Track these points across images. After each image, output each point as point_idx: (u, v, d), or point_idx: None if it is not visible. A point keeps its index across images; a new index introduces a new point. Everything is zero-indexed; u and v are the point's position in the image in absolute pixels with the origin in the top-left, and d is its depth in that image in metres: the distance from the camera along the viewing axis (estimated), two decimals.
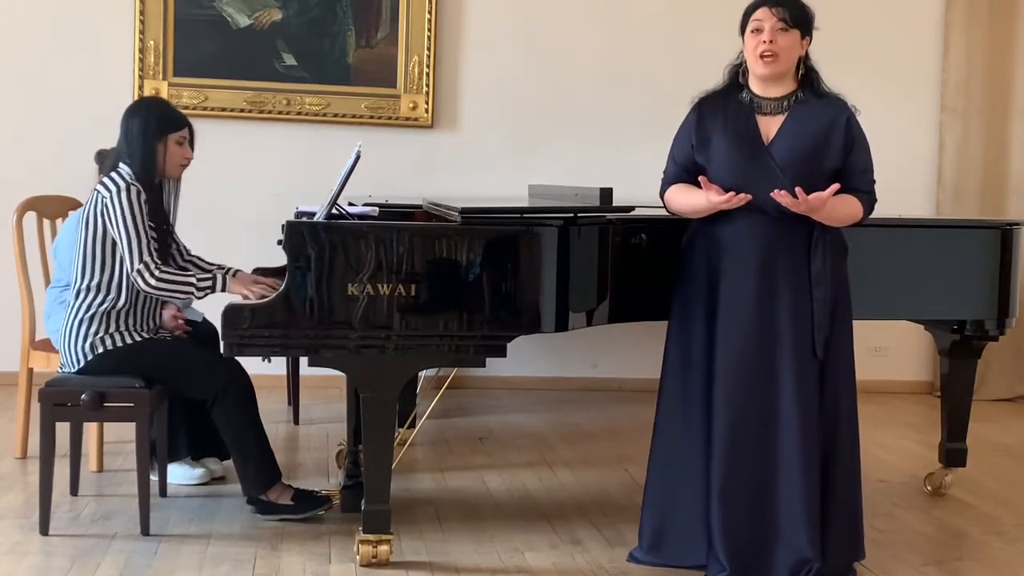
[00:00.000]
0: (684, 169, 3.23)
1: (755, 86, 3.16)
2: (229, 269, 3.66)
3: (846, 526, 3.20)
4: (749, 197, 3.02)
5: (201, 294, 3.44)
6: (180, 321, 3.84)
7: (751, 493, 3.11)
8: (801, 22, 3.11)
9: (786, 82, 3.15)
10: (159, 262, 3.43)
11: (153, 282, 3.40)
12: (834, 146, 3.11)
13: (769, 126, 3.12)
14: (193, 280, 3.44)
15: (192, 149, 3.65)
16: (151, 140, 3.51)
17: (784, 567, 3.09)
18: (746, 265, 3.10)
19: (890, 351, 6.06)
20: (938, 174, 6.08)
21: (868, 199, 3.19)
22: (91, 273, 3.48)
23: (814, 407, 3.11)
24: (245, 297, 3.37)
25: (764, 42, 3.07)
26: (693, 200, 3.16)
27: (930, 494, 4.21)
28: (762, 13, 3.09)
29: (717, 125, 3.15)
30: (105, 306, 3.49)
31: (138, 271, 3.40)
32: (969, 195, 6.00)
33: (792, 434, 3.08)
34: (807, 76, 3.17)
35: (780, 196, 2.99)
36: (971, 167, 6.02)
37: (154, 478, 3.79)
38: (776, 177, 3.05)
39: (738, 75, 3.20)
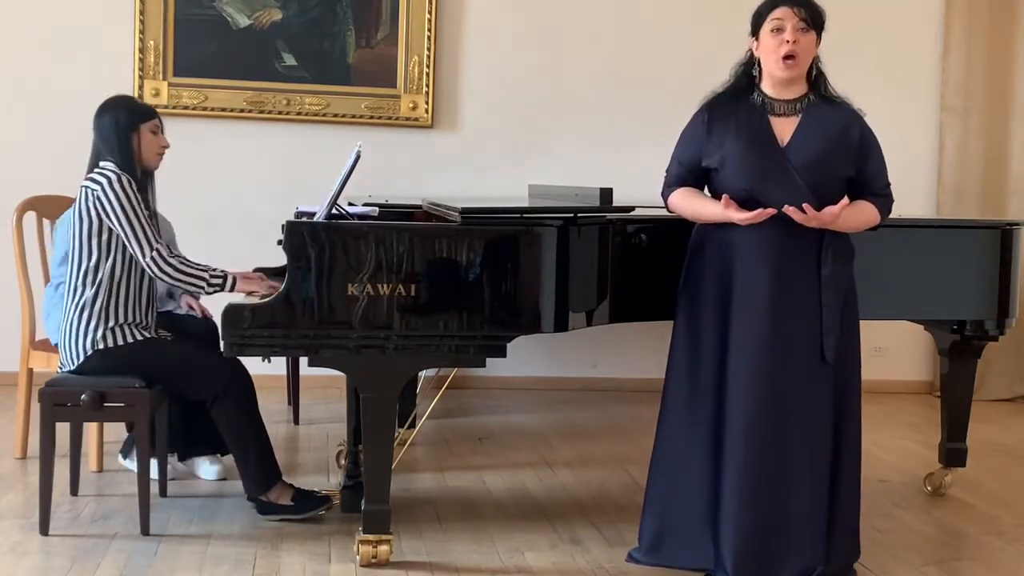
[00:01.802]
0: (689, 172, 3.20)
1: (768, 87, 3.13)
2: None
3: (848, 527, 3.21)
4: (773, 211, 2.99)
5: (212, 289, 3.44)
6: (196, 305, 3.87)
7: (762, 498, 3.10)
8: (818, 23, 3.09)
9: (799, 84, 3.12)
10: (168, 248, 3.44)
11: (168, 269, 3.41)
12: (847, 154, 3.09)
13: (783, 127, 3.09)
14: (206, 276, 3.44)
15: (165, 137, 3.65)
16: (125, 132, 3.52)
17: (791, 571, 3.09)
18: (759, 269, 3.08)
19: (890, 351, 6.06)
20: (938, 174, 6.08)
21: (884, 202, 3.19)
22: (85, 263, 3.47)
23: (824, 411, 3.10)
24: (252, 293, 3.36)
25: (788, 42, 3.03)
26: (702, 209, 3.15)
27: (930, 494, 4.21)
28: (783, 12, 3.05)
29: (730, 127, 3.11)
30: (101, 298, 3.47)
31: (152, 258, 3.40)
32: (969, 195, 6.01)
33: (803, 439, 3.07)
34: (817, 79, 3.15)
35: (792, 212, 2.98)
36: (971, 167, 6.02)
37: (154, 477, 3.79)
38: (792, 179, 3.03)
39: (749, 74, 3.16)
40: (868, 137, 3.14)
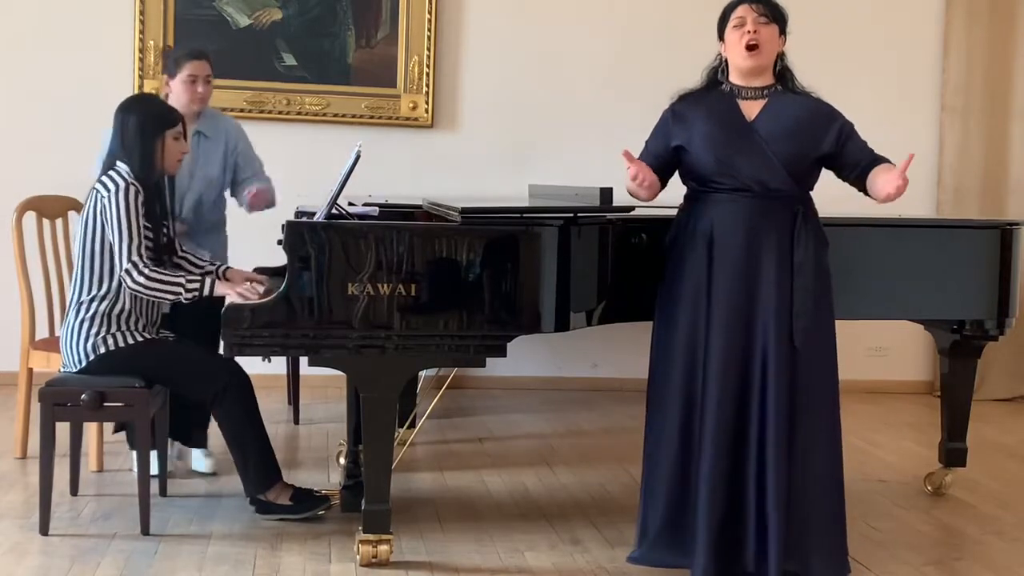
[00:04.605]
0: (653, 155, 3.29)
1: (735, 78, 3.22)
2: (219, 266, 3.70)
3: (830, 528, 3.17)
4: (654, 178, 3.17)
5: (190, 296, 3.43)
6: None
7: (731, 484, 3.10)
8: (779, 18, 3.20)
9: (766, 75, 3.21)
10: (148, 263, 3.42)
11: (142, 280, 3.40)
12: (818, 135, 3.15)
13: (750, 108, 3.18)
14: (182, 281, 3.43)
15: (186, 142, 3.67)
16: (150, 138, 3.51)
17: (756, 560, 3.09)
18: (731, 253, 3.11)
19: (890, 351, 6.06)
20: (938, 174, 6.08)
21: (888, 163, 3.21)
22: (93, 278, 3.48)
23: (789, 400, 3.09)
24: (242, 296, 3.36)
25: (749, 32, 3.14)
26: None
27: (930, 494, 4.21)
28: (742, 10, 3.18)
29: (699, 112, 3.20)
30: (106, 308, 3.48)
31: (126, 270, 3.40)
32: (969, 195, 6.00)
33: (769, 426, 3.07)
34: (783, 73, 3.24)
35: (904, 166, 2.99)
36: (971, 167, 6.02)
37: (154, 475, 3.79)
38: (761, 151, 3.10)
39: (716, 75, 3.26)
40: (845, 123, 3.20)
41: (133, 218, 3.42)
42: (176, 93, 4.13)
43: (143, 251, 3.42)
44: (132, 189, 3.44)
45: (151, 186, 3.52)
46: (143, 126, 3.51)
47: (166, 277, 3.43)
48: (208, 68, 4.17)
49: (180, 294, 3.43)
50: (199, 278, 3.44)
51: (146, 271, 3.40)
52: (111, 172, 3.51)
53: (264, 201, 4.27)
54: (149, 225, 3.48)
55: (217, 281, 3.46)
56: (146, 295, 3.46)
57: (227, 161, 4.29)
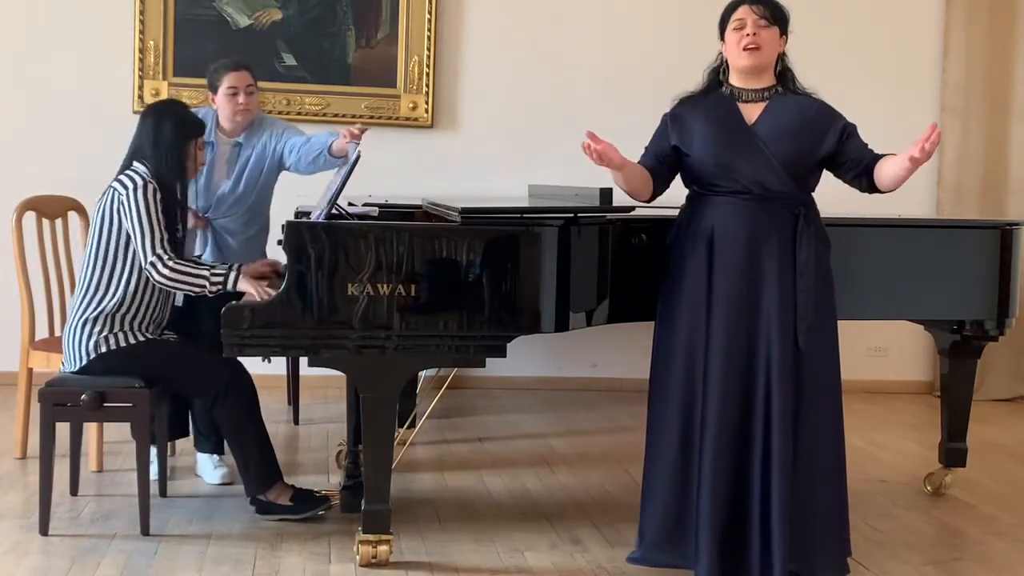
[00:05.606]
0: (653, 156, 3.29)
1: (736, 80, 3.22)
2: (240, 264, 3.70)
3: (832, 528, 3.17)
4: (609, 144, 3.11)
5: (214, 288, 3.43)
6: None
7: (734, 485, 3.10)
8: (779, 20, 3.20)
9: (766, 76, 3.21)
10: (172, 255, 3.42)
11: (167, 272, 3.40)
12: (819, 135, 3.14)
13: (751, 111, 3.18)
14: (206, 273, 3.43)
15: (203, 153, 3.72)
16: (183, 144, 3.54)
17: (760, 561, 3.09)
18: (733, 255, 3.12)
19: (890, 351, 6.06)
20: (938, 174, 6.08)
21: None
22: (101, 278, 3.48)
23: (793, 401, 3.09)
24: (256, 294, 3.35)
25: (748, 35, 3.14)
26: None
27: (930, 494, 4.22)
28: (743, 11, 3.18)
29: (699, 115, 3.20)
30: (110, 309, 3.48)
31: (151, 263, 3.40)
32: (969, 195, 6.01)
33: (774, 427, 3.06)
34: (784, 74, 3.24)
35: (931, 132, 2.90)
36: (971, 167, 6.02)
37: (154, 478, 3.79)
38: (761, 152, 3.10)
39: (717, 75, 3.26)
40: (846, 124, 3.19)
41: (154, 213, 3.43)
42: (220, 107, 4.12)
43: (166, 244, 3.43)
44: (150, 186, 3.44)
45: (171, 189, 3.52)
46: (178, 131, 3.53)
47: (191, 269, 3.44)
48: (248, 78, 4.14)
49: (205, 286, 3.42)
50: (223, 272, 3.44)
51: (171, 263, 3.40)
52: (128, 171, 3.51)
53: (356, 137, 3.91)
54: (166, 224, 3.48)
55: (241, 278, 3.44)
56: (171, 287, 3.47)
57: (266, 161, 4.21)
